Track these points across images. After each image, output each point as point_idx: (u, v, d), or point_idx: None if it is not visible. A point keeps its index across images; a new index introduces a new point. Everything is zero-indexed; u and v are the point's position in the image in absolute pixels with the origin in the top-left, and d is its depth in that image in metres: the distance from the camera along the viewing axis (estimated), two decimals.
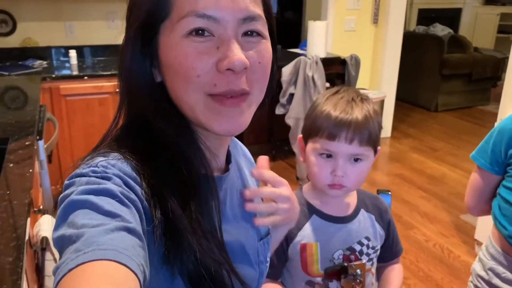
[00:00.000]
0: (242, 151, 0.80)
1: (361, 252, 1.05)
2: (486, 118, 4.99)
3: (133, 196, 0.50)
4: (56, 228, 0.47)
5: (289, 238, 1.02)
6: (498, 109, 2.30)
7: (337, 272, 1.01)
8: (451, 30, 5.98)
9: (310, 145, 1.01)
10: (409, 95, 5.41)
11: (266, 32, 0.59)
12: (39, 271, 1.35)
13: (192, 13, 0.53)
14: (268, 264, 0.75)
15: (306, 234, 1.03)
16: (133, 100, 0.61)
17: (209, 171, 0.60)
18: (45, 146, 1.84)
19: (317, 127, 0.98)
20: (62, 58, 3.19)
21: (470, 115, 5.25)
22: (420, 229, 2.78)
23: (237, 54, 0.54)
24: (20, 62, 2.99)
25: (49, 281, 1.32)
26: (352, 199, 1.09)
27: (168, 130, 0.59)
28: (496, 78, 5.69)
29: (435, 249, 2.58)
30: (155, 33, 0.57)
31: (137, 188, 0.52)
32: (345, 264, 0.99)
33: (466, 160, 3.88)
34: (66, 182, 0.52)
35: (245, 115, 0.58)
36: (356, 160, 0.98)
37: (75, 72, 2.90)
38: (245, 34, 0.56)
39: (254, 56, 0.56)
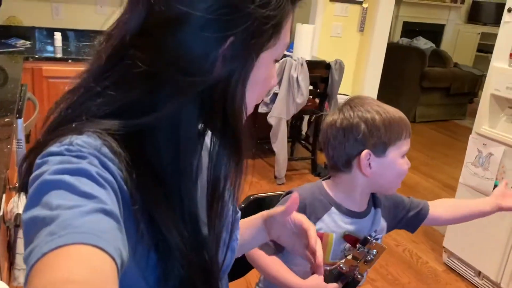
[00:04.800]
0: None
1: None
2: (461, 132, 5.13)
3: (109, 176, 0.49)
4: (28, 208, 0.44)
5: None
6: (473, 124, 2.37)
7: (355, 240, 1.04)
8: (433, 44, 6.13)
9: (393, 153, 1.05)
10: (389, 104, 5.47)
11: None
12: (10, 248, 1.33)
13: (287, 44, 0.62)
14: (238, 242, 0.77)
15: (324, 224, 1.08)
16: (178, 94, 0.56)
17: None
18: (24, 125, 1.81)
19: (400, 131, 1.04)
20: (46, 40, 3.14)
21: (446, 128, 5.38)
22: (390, 234, 2.83)
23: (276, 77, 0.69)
24: (2, 40, 2.92)
25: (20, 259, 1.30)
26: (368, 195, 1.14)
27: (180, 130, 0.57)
28: (473, 94, 5.86)
29: (404, 254, 2.64)
30: (264, 49, 0.59)
31: (113, 168, 0.51)
32: (369, 237, 1.02)
33: (439, 170, 3.98)
34: (37, 161, 0.49)
35: None
36: None
37: (59, 55, 2.85)
38: None
39: None
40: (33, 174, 0.47)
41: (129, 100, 0.56)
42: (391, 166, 1.05)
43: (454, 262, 2.49)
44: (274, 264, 1.07)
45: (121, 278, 0.47)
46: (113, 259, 0.41)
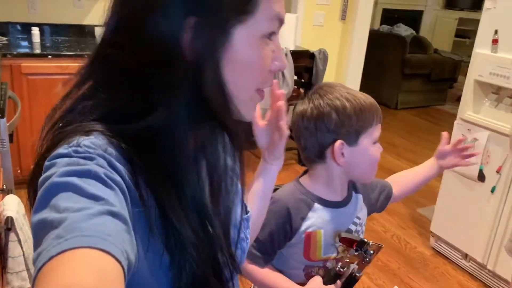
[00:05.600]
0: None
1: (356, 232, 1.10)
2: (442, 118, 5.21)
3: (117, 177, 0.49)
4: (37, 211, 0.45)
5: (293, 229, 1.04)
6: (454, 109, 2.41)
7: (351, 241, 1.03)
8: (414, 31, 6.19)
9: (365, 141, 1.02)
10: (372, 92, 5.41)
11: None
12: (1, 252, 1.30)
13: (276, 17, 0.58)
14: (248, 242, 0.76)
15: (310, 222, 1.06)
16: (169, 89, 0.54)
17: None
18: (7, 125, 1.77)
19: (369, 117, 1.02)
20: (23, 35, 3.05)
21: (428, 114, 5.46)
22: (379, 221, 2.88)
23: (285, 59, 0.62)
24: None
25: (12, 263, 1.27)
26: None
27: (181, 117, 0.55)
28: (453, 80, 5.95)
29: (393, 240, 2.69)
30: (230, 24, 0.54)
31: (121, 168, 0.50)
32: (365, 240, 1.01)
33: (423, 156, 4.02)
34: (46, 163, 0.49)
35: None
36: None
37: (38, 51, 2.78)
38: None
39: None
40: (42, 176, 0.47)
41: (119, 102, 0.55)
42: (364, 154, 1.03)
43: (441, 246, 2.54)
44: (270, 276, 1.05)
45: (132, 279, 0.47)
46: (119, 262, 0.41)
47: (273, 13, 0.57)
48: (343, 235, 1.05)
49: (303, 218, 1.05)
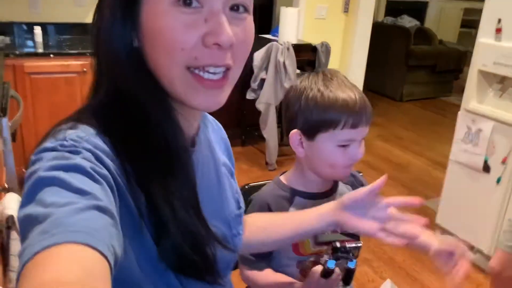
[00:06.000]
0: (212, 126, 0.79)
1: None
2: (448, 109, 5.17)
3: (104, 171, 0.49)
4: (22, 206, 0.44)
5: None
6: (460, 100, 2.38)
7: (329, 244, 0.97)
8: (418, 22, 6.12)
9: (324, 138, 0.95)
10: (376, 84, 5.52)
11: (251, 7, 0.57)
12: (3, 250, 1.31)
13: None
14: (241, 237, 0.76)
15: None
16: (110, 67, 0.57)
17: (185, 143, 0.60)
18: (10, 124, 1.77)
19: (335, 120, 0.92)
20: (25, 35, 3.05)
21: (433, 106, 5.42)
22: None
23: (226, 30, 0.52)
24: None
25: (15, 261, 1.28)
26: None
27: (146, 100, 0.56)
28: (458, 71, 5.89)
29: None
30: None
31: (109, 162, 0.50)
32: (338, 245, 0.90)
33: (429, 148, 4.02)
34: (32, 157, 0.49)
35: (225, 92, 0.58)
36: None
37: (40, 50, 2.79)
38: (232, 8, 0.55)
39: (240, 34, 0.55)
40: (28, 171, 0.47)
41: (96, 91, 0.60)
42: (320, 153, 0.95)
43: None
44: (272, 277, 1.03)
45: (120, 273, 0.46)
46: (106, 257, 0.40)
47: None
48: (320, 239, 1.00)
49: None
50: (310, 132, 0.95)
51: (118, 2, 0.54)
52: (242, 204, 0.79)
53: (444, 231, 2.52)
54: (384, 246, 2.50)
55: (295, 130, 0.97)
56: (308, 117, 0.95)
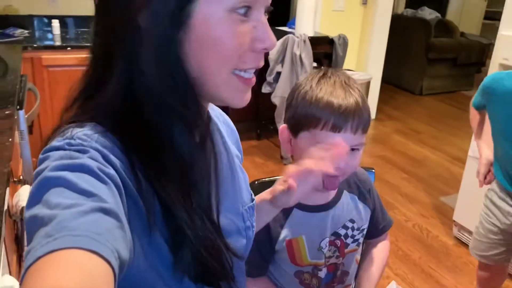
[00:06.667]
0: (222, 118, 0.79)
1: (346, 236, 1.03)
2: (468, 103, 5.04)
3: (111, 170, 0.48)
4: (29, 206, 0.44)
5: (273, 238, 0.99)
6: None
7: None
8: (438, 14, 5.99)
9: (304, 138, 0.90)
10: (395, 77, 5.43)
11: None
12: (18, 241, 1.33)
13: None
14: (254, 229, 0.75)
15: (289, 230, 0.99)
16: (136, 66, 0.54)
17: (203, 143, 0.60)
18: (26, 116, 1.80)
19: (315, 117, 0.87)
20: (44, 28, 3.10)
21: (454, 100, 5.31)
22: (400, 210, 2.83)
23: (272, 36, 0.56)
24: (0, 30, 2.89)
25: None
26: None
27: (175, 105, 0.55)
28: (481, 64, 5.75)
29: (414, 229, 2.63)
30: (193, 1, 0.51)
31: (116, 161, 0.50)
32: None
33: (448, 143, 3.94)
34: (40, 156, 0.49)
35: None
36: (352, 149, 0.89)
37: (58, 43, 2.82)
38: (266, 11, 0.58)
39: None
40: (36, 170, 0.47)
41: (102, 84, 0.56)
42: (301, 153, 0.85)
43: (464, 235, 2.48)
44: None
45: (131, 275, 0.46)
46: (109, 263, 0.40)
47: None
48: None
49: (282, 226, 0.99)
50: (294, 128, 0.92)
51: (168, 3, 0.51)
52: (253, 197, 0.78)
53: (462, 228, 2.48)
54: (399, 243, 2.47)
55: (283, 125, 0.94)
56: (294, 112, 0.92)
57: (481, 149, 1.73)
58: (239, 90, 0.58)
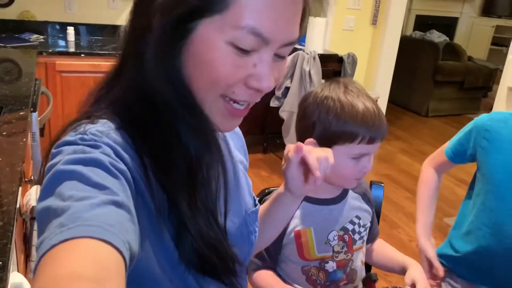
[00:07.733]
0: None
1: (353, 231, 1.07)
2: None
3: (122, 166, 0.49)
4: (42, 198, 0.45)
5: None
6: None
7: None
8: (447, 38, 6.05)
9: (338, 151, 0.93)
10: (402, 98, 5.46)
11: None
12: (26, 241, 1.34)
13: (249, 28, 0.51)
14: (257, 234, 0.76)
15: (298, 221, 1.04)
16: (142, 68, 0.56)
17: (211, 145, 0.61)
18: (39, 119, 1.83)
19: (353, 134, 0.93)
20: (59, 34, 3.15)
21: (459, 122, 5.32)
22: (404, 229, 2.82)
23: (270, 79, 0.55)
24: (16, 35, 2.94)
25: (36, 252, 1.32)
26: None
27: (178, 106, 0.56)
28: (487, 88, 5.78)
29: (418, 249, 2.62)
30: (196, 19, 0.52)
31: (127, 157, 0.51)
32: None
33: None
34: (53, 150, 0.50)
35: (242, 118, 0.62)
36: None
37: (72, 49, 2.87)
38: (276, 54, 0.56)
39: (276, 75, 0.58)
40: (48, 164, 0.48)
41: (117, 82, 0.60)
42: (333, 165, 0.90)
43: None
44: (271, 279, 1.05)
45: (138, 269, 0.47)
46: (121, 253, 0.41)
47: (242, 23, 0.51)
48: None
49: (291, 217, 1.01)
50: (326, 143, 0.94)
51: (173, 11, 0.53)
52: (257, 203, 0.79)
53: None
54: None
55: (311, 139, 0.95)
56: (327, 128, 0.95)
57: (428, 250, 1.36)
58: (223, 116, 0.58)
